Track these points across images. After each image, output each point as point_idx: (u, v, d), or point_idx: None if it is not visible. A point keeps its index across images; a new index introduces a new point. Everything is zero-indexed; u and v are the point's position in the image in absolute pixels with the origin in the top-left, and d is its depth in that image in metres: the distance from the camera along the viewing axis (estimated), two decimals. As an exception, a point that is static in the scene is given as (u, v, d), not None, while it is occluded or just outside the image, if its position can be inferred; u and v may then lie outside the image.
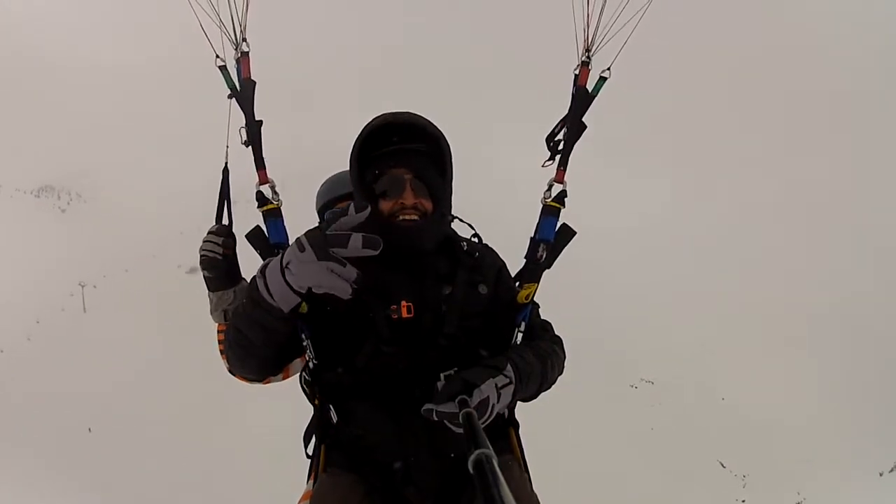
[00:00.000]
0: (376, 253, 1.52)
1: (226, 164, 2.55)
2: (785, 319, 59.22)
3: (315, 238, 1.53)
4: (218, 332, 2.48)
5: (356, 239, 1.51)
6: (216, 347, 2.43)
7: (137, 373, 39.09)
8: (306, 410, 2.17)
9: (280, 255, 1.62)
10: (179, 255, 54.99)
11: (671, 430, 40.83)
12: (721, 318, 58.68)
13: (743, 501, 37.41)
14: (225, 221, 2.48)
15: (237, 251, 2.44)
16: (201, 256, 2.35)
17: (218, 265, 2.37)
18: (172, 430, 34.09)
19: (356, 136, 2.04)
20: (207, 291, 2.43)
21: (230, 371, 2.15)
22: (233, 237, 2.45)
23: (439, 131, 2.04)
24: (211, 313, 2.45)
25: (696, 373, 48.88)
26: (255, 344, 1.80)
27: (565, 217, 2.25)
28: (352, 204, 1.56)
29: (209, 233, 2.41)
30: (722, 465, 40.10)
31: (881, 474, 41.55)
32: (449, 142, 2.06)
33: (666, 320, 53.62)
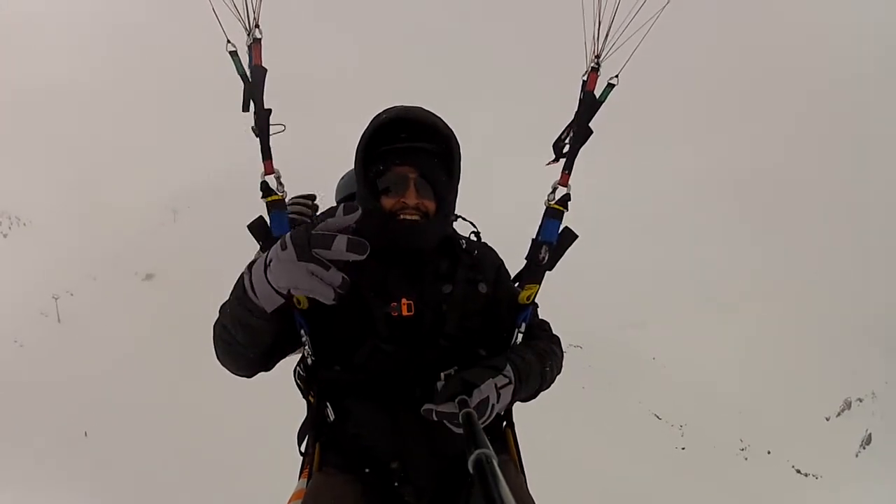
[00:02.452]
0: (362, 258, 1.40)
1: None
2: (718, 286, 61.81)
3: (298, 237, 1.43)
4: None
5: (340, 241, 1.39)
6: None
7: (123, 374, 38.29)
8: (299, 406, 2.16)
9: (266, 252, 1.56)
10: (135, 265, 54.50)
11: (602, 388, 41.85)
12: (653, 288, 60.83)
13: (683, 448, 38.83)
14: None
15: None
16: (290, 219, 2.33)
17: None
18: (167, 426, 33.73)
19: (365, 128, 2.02)
20: None
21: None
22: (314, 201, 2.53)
23: (450, 130, 2.03)
24: None
25: (626, 338, 50.45)
26: (239, 343, 1.77)
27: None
28: (342, 205, 1.46)
29: (297, 196, 2.46)
30: (657, 416, 41.66)
31: (828, 419, 44.09)
32: (459, 142, 2.05)
33: (596, 290, 54.81)
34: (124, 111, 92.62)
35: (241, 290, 1.63)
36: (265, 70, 2.11)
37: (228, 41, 2.10)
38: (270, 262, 1.49)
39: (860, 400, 45.42)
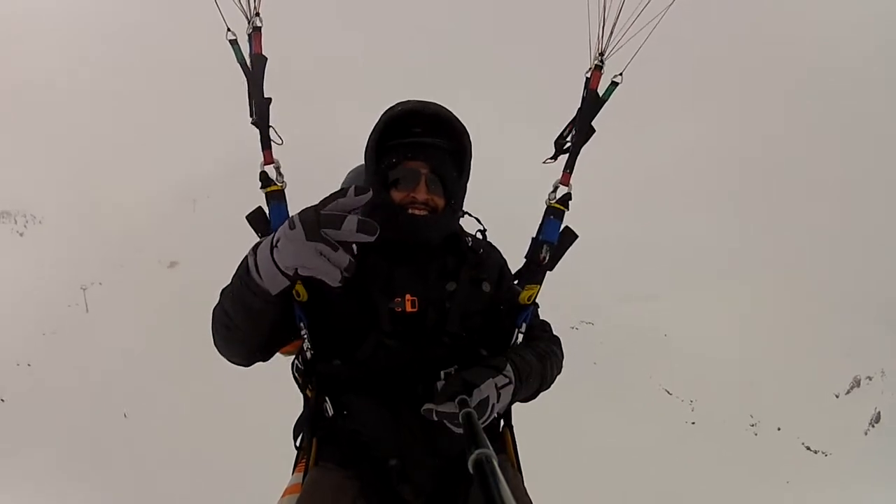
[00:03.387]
0: (371, 239, 1.35)
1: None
2: (730, 261, 61.54)
3: (308, 216, 1.38)
4: None
5: (351, 221, 1.33)
6: None
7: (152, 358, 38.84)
8: (296, 398, 2.15)
9: (273, 233, 1.51)
10: (158, 254, 54.91)
11: (614, 363, 41.93)
12: (665, 263, 60.61)
13: (693, 423, 38.97)
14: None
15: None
16: None
17: None
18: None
19: (378, 119, 2.00)
20: None
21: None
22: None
23: (464, 127, 2.02)
24: None
25: (637, 313, 50.34)
26: (239, 328, 1.73)
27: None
28: (353, 186, 1.39)
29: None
30: (668, 392, 41.72)
31: (837, 396, 43.99)
32: (472, 140, 2.04)
33: (608, 264, 54.57)
34: (133, 105, 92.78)
35: (244, 270, 1.59)
36: (265, 59, 2.09)
37: (228, 29, 2.09)
38: (278, 241, 1.45)
39: (870, 378, 45.12)
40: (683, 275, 58.95)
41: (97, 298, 48.36)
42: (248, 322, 1.70)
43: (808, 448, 38.40)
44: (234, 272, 1.67)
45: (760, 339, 48.63)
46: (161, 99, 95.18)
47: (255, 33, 2.08)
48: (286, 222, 1.42)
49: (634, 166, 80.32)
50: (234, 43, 2.11)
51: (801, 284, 57.40)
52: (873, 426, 40.50)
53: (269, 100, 2.09)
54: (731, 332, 49.04)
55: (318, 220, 1.35)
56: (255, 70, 2.08)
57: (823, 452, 37.92)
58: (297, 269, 1.43)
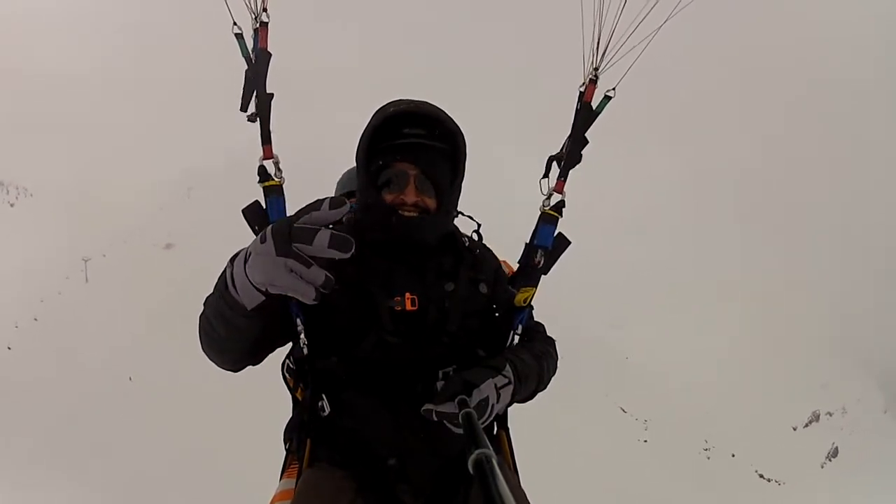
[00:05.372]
0: (346, 256, 1.23)
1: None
2: (695, 287, 62.45)
3: (279, 229, 1.26)
4: None
5: (323, 236, 1.21)
6: None
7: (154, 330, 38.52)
8: (285, 397, 2.11)
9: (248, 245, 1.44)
10: (154, 237, 55.47)
11: (570, 378, 42.19)
12: (634, 289, 61.37)
13: (645, 441, 39.44)
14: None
15: None
16: None
17: None
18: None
19: (369, 120, 1.97)
20: None
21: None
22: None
23: (458, 128, 1.99)
24: None
25: (603, 337, 51.08)
26: (223, 339, 1.68)
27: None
28: (328, 198, 1.28)
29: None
30: (623, 409, 42.13)
31: (794, 429, 44.70)
32: (466, 141, 2.03)
33: (580, 289, 55.05)
34: (133, 96, 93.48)
35: (223, 283, 1.52)
36: (270, 54, 2.07)
37: (235, 23, 2.07)
38: (249, 255, 1.36)
39: (829, 414, 46.20)
40: (653, 302, 60.01)
41: (98, 270, 48.46)
42: (230, 334, 1.65)
43: (762, 476, 39.00)
44: (216, 280, 1.62)
45: (723, 368, 49.62)
46: (160, 90, 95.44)
47: (261, 28, 2.06)
48: (259, 235, 1.32)
49: (610, 194, 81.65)
50: (239, 37, 2.09)
51: (773, 319, 58.75)
52: (830, 460, 41.34)
53: (272, 95, 2.07)
54: (694, 359, 50.00)
55: (289, 233, 1.25)
56: (258, 64, 2.06)
57: (777, 481, 38.53)
58: (267, 287, 1.34)
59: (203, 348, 1.81)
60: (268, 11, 2.05)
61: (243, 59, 2.08)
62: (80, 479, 27.74)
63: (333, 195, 2.04)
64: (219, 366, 1.88)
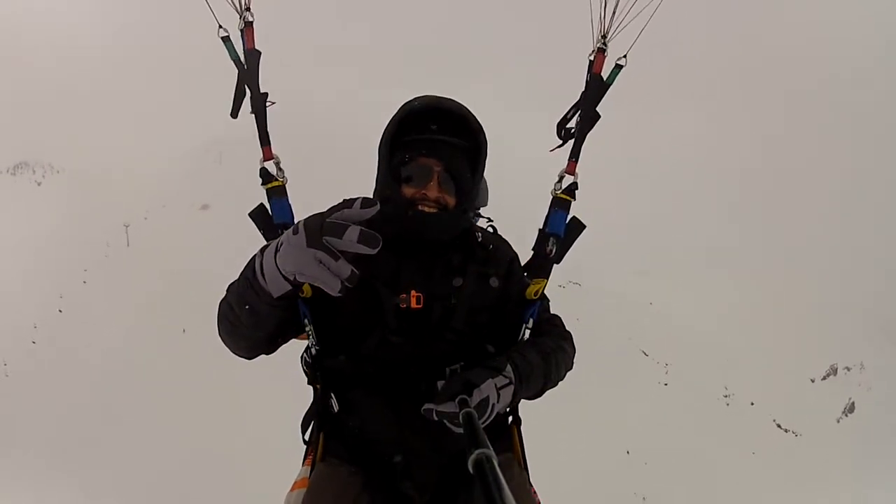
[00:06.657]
0: (373, 252, 1.30)
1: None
2: (723, 244, 62.12)
3: (312, 223, 1.35)
4: None
5: (353, 231, 1.28)
6: None
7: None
8: (306, 390, 2.14)
9: (280, 233, 1.52)
10: (190, 198, 56.68)
11: (595, 321, 42.17)
12: (661, 241, 61.34)
13: (665, 384, 39.79)
14: None
15: None
16: None
17: None
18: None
19: (394, 113, 1.97)
20: None
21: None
22: None
23: (480, 126, 1.99)
24: None
25: (627, 283, 51.33)
26: (243, 325, 1.72)
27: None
28: (360, 198, 1.35)
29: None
30: (644, 353, 42.33)
31: (812, 381, 44.75)
32: (487, 139, 2.01)
33: (607, 236, 54.76)
34: (155, 66, 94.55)
35: (251, 271, 1.58)
36: (259, 53, 2.06)
37: (220, 26, 2.05)
38: (281, 245, 1.43)
39: (847, 368, 45.93)
40: (679, 254, 59.84)
41: (138, 234, 49.48)
42: (252, 321, 1.70)
43: (779, 426, 39.16)
44: (241, 270, 1.67)
45: (743, 319, 49.58)
46: (181, 60, 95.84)
47: (247, 28, 2.04)
48: (292, 227, 1.40)
49: (641, 149, 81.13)
50: (226, 40, 2.07)
51: (794, 279, 58.64)
52: (847, 415, 41.30)
53: (266, 95, 2.07)
54: (716, 310, 50.13)
55: (321, 227, 1.33)
56: (249, 66, 2.05)
57: (794, 432, 38.69)
58: (296, 275, 1.41)
59: (220, 333, 1.86)
60: (251, 10, 2.03)
61: (241, 59, 2.09)
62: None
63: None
64: (233, 351, 1.92)
